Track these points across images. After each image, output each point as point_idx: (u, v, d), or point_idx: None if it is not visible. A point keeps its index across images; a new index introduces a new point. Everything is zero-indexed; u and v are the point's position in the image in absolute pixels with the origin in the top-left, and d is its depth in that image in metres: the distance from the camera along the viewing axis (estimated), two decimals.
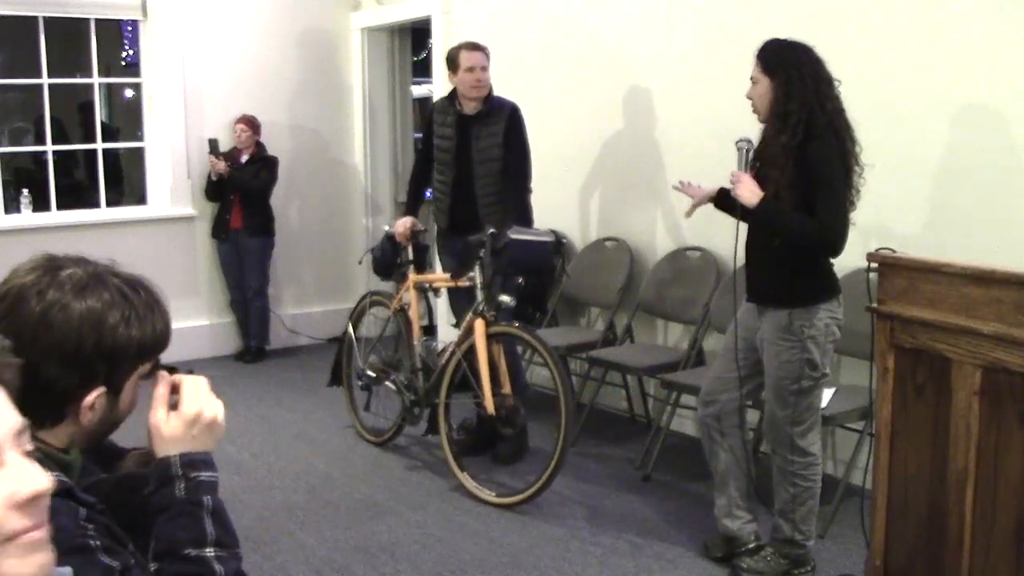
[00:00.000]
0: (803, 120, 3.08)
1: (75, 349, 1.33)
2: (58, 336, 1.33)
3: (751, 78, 3.21)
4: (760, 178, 3.20)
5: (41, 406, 1.31)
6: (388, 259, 4.78)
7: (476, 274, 4.24)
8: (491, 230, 4.19)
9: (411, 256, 4.72)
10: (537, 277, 4.74)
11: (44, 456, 1.21)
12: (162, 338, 1.43)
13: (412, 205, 4.83)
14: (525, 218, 4.47)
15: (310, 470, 4.54)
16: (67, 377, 1.33)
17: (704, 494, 4.02)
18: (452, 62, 4.53)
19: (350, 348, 5.03)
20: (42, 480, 0.90)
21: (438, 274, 4.96)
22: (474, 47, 4.50)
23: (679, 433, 4.80)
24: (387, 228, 4.88)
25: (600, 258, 5.27)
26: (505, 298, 4.14)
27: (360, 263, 5.02)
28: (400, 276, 4.77)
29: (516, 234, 4.13)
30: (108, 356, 1.36)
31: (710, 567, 3.50)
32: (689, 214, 3.63)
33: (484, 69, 4.47)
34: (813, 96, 3.09)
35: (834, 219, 3.08)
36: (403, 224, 4.69)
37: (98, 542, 1.25)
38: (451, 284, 4.54)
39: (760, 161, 3.25)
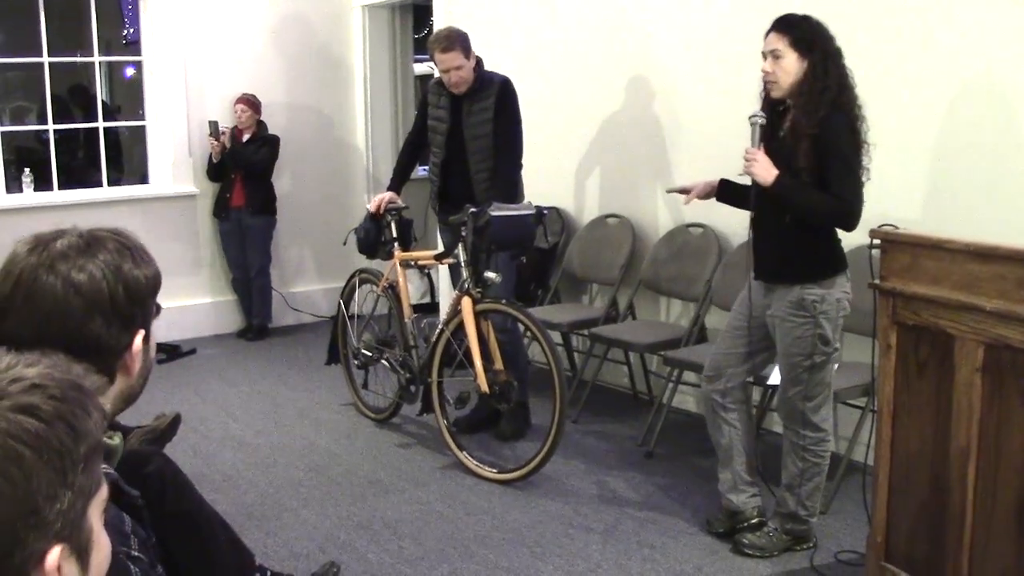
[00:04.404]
0: (833, 97, 3.07)
1: (110, 300, 1.38)
2: (90, 296, 1.37)
3: (773, 52, 3.12)
4: (772, 153, 3.16)
5: (95, 366, 1.35)
6: (372, 238, 4.74)
7: (460, 252, 4.24)
8: (471, 208, 4.19)
9: (395, 233, 4.71)
10: (522, 251, 4.74)
11: None
12: (160, 275, 1.51)
13: (395, 182, 4.82)
14: (511, 194, 4.44)
15: (313, 447, 4.55)
16: (111, 327, 1.38)
17: (706, 470, 4.03)
18: (431, 56, 4.51)
19: (344, 326, 5.04)
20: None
21: (423, 251, 4.96)
22: (445, 47, 4.37)
23: (681, 410, 4.80)
24: (368, 207, 4.87)
25: (602, 235, 5.26)
26: (491, 275, 4.14)
27: (344, 244, 4.99)
28: (385, 254, 4.76)
29: (497, 211, 4.12)
30: (137, 298, 1.42)
31: (713, 542, 3.52)
32: (688, 202, 3.59)
33: (459, 68, 4.39)
34: (844, 74, 3.10)
35: (851, 192, 3.08)
36: (378, 199, 4.71)
37: (137, 568, 1.26)
38: (435, 262, 4.55)
39: (775, 138, 3.20)
